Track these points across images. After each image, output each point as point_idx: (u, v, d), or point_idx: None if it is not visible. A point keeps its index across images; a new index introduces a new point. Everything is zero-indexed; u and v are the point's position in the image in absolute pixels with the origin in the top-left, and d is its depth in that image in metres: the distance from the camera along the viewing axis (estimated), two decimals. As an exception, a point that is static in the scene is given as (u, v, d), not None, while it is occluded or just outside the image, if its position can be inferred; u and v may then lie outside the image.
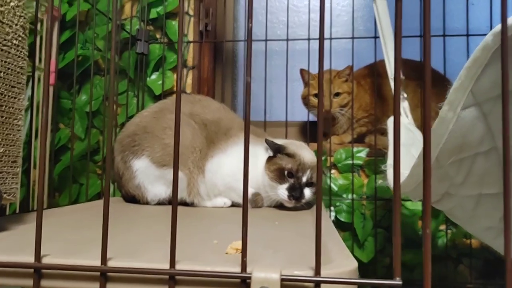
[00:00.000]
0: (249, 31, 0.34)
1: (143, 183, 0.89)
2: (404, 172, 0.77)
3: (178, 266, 0.37)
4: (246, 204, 0.35)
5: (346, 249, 0.47)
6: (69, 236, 0.52)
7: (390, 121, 0.97)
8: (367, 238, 1.18)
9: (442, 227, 1.19)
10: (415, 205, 1.20)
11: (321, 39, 0.36)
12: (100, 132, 1.32)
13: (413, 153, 0.87)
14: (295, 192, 0.82)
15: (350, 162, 1.22)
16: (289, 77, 1.27)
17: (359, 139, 1.31)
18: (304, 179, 0.84)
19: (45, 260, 0.40)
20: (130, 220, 0.67)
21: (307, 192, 0.84)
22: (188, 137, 0.89)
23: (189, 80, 1.35)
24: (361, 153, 1.22)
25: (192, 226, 0.62)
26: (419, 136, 0.96)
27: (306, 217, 0.75)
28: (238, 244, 0.45)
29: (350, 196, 1.21)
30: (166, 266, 0.36)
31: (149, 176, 0.89)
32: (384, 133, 1.20)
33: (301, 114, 1.45)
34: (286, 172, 0.84)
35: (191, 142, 0.89)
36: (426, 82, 0.35)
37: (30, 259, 0.39)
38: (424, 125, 0.35)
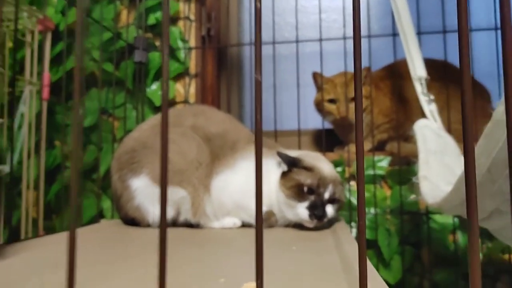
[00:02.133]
0: (258, 12, 0.25)
1: (143, 203, 0.81)
2: (442, 187, 0.66)
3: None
4: (261, 258, 0.25)
5: (377, 275, 0.40)
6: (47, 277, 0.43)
7: (418, 125, 0.87)
8: (393, 257, 1.07)
9: (477, 241, 1.07)
10: (445, 218, 1.08)
11: (357, 34, 0.26)
12: (98, 148, 1.24)
13: (447, 162, 0.77)
14: (318, 210, 0.73)
15: (371, 172, 1.11)
16: (300, 82, 1.17)
17: (379, 147, 1.21)
18: (326, 195, 0.75)
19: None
20: (124, 250, 0.57)
21: (330, 210, 0.75)
22: (193, 150, 0.81)
23: (192, 89, 1.27)
24: (383, 162, 1.12)
25: (194, 258, 0.52)
26: (450, 142, 0.86)
27: (327, 238, 0.66)
28: (252, 286, 0.36)
29: (372, 210, 1.10)
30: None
31: (149, 195, 0.80)
32: (407, 139, 1.09)
33: (314, 121, 1.35)
34: (305, 189, 0.75)
35: (196, 156, 0.81)
36: (465, 86, 0.24)
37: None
38: (464, 140, 0.24)
